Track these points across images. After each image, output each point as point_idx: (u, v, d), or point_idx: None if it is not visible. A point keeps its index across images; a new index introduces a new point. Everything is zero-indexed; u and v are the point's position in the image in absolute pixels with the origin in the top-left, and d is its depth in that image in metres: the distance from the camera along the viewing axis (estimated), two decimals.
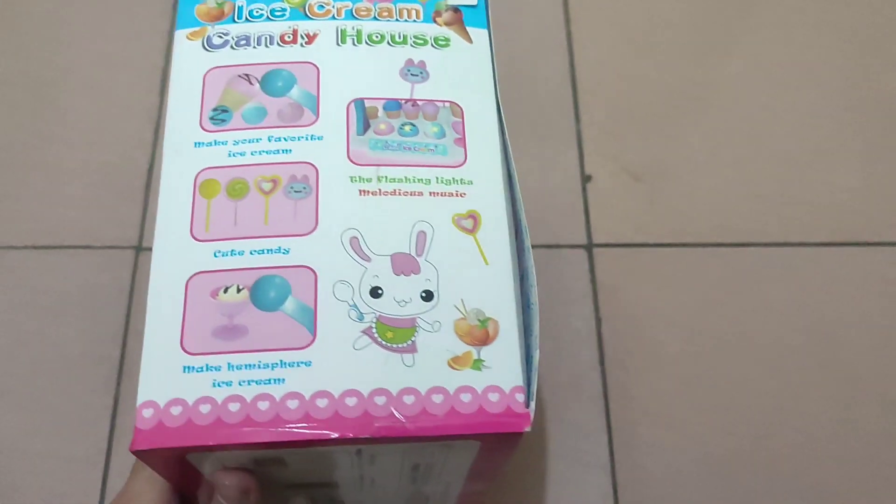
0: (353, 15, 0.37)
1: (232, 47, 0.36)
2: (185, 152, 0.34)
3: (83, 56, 0.67)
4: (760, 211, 0.62)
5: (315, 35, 0.37)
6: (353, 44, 0.37)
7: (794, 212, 0.62)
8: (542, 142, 0.65)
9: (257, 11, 0.37)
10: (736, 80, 0.68)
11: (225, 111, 0.35)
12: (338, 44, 0.37)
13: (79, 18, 0.69)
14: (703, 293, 0.59)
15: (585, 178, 0.63)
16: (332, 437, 0.28)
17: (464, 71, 0.37)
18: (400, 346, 0.30)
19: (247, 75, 0.35)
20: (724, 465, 0.54)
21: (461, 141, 0.35)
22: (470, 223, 0.33)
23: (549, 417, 0.55)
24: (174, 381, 0.29)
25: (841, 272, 0.60)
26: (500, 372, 0.31)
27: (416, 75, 0.36)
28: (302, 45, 0.36)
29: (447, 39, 0.37)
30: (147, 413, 0.28)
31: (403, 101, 0.36)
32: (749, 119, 0.66)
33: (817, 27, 0.71)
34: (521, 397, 0.30)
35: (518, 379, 0.30)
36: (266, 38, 0.37)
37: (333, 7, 0.38)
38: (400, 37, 0.37)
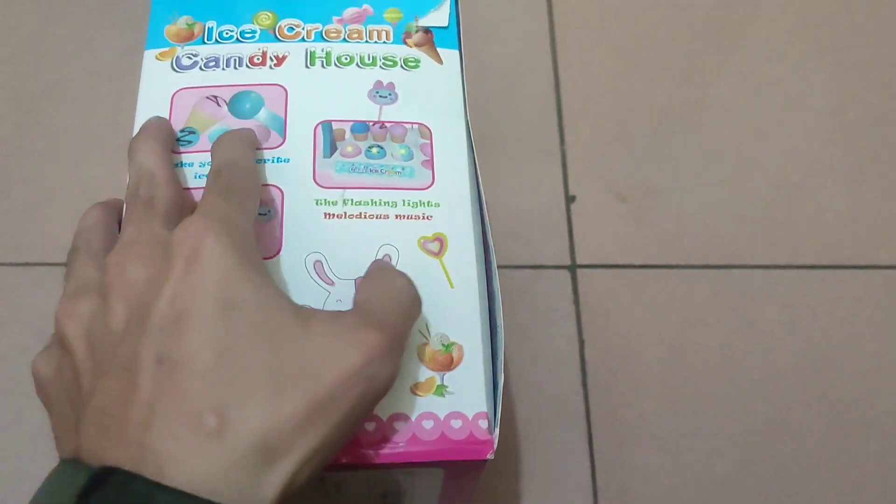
0: (322, 37, 0.37)
1: (201, 68, 0.36)
2: None
3: (70, 71, 0.67)
4: (747, 232, 0.62)
5: (284, 57, 0.36)
6: (322, 66, 0.36)
7: (781, 234, 0.61)
8: (526, 161, 0.64)
9: (227, 33, 0.37)
10: (724, 100, 0.67)
11: (192, 132, 0.35)
12: (307, 66, 0.36)
13: (66, 33, 0.69)
14: (688, 315, 0.58)
15: (570, 199, 0.62)
16: None
17: (433, 93, 0.36)
18: None
19: (215, 97, 0.35)
20: (711, 488, 0.53)
21: (429, 163, 0.35)
22: (436, 246, 0.33)
23: (531, 439, 0.54)
24: None
25: (828, 295, 0.59)
26: (464, 398, 0.30)
27: (385, 97, 0.36)
28: (271, 66, 0.36)
29: (417, 61, 0.37)
30: None
31: (371, 124, 0.35)
32: (736, 140, 0.65)
33: (806, 48, 0.70)
34: (484, 423, 0.30)
35: (482, 405, 0.30)
36: (235, 59, 0.36)
37: (303, 29, 0.37)
38: (369, 58, 0.37)
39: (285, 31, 0.37)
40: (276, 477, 0.23)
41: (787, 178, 0.64)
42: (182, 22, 0.37)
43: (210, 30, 0.37)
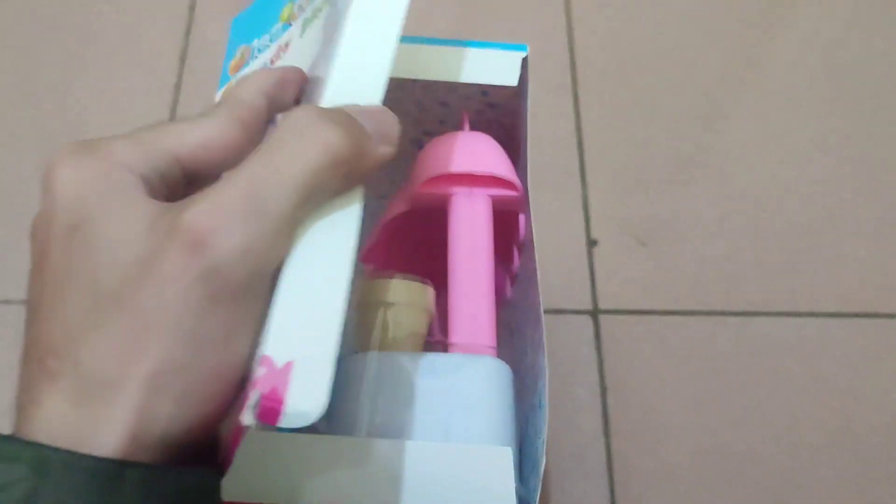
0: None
1: None
2: None
3: (92, 110, 0.67)
4: (768, 279, 0.61)
5: (288, 43, 0.35)
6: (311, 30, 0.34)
7: (803, 281, 0.60)
8: (548, 203, 0.64)
9: (263, 46, 0.36)
10: (744, 145, 0.67)
11: None
12: (300, 37, 0.34)
13: (90, 72, 0.69)
14: (710, 363, 0.57)
15: (591, 243, 0.62)
16: None
17: None
18: None
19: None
20: None
21: None
22: None
23: (552, 490, 0.53)
24: None
25: (852, 344, 0.58)
26: None
27: None
28: (281, 55, 0.35)
29: None
30: None
31: None
32: (757, 185, 0.65)
33: (827, 95, 0.70)
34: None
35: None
36: (266, 63, 0.36)
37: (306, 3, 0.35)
38: None
39: (295, 13, 0.35)
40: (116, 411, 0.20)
41: (808, 224, 0.63)
42: (238, 53, 0.37)
43: (253, 49, 0.36)
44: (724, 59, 0.71)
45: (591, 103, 0.69)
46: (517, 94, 0.43)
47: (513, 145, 0.46)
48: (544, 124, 0.67)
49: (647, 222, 0.63)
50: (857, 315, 0.59)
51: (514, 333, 0.44)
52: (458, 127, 0.45)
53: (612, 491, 0.52)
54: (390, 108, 0.27)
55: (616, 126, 0.68)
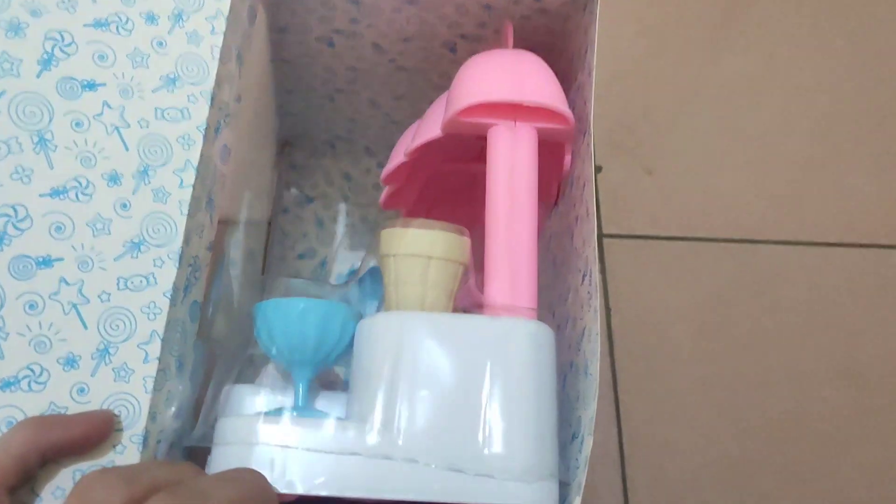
0: None
1: None
2: None
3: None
4: (773, 210, 0.60)
5: None
6: None
7: (807, 212, 0.60)
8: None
9: None
10: (751, 81, 0.64)
11: None
12: None
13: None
14: (715, 289, 0.56)
15: (596, 169, 0.59)
16: None
17: None
18: None
19: None
20: (739, 465, 0.52)
21: None
22: None
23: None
24: None
25: (854, 272, 0.58)
26: None
27: None
28: None
29: None
30: None
31: None
32: (762, 120, 0.63)
33: (830, 34, 0.68)
34: None
35: None
36: None
37: None
38: None
39: None
40: None
41: (812, 158, 0.62)
42: None
43: None
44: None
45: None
46: (575, 1, 0.38)
47: (563, 61, 0.40)
48: None
49: (653, 152, 0.60)
50: (859, 245, 0.59)
51: (558, 268, 0.41)
52: (501, 34, 0.39)
53: (617, 411, 0.52)
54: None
55: (624, 58, 0.64)
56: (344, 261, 0.54)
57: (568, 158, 0.38)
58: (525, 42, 0.39)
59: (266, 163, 0.53)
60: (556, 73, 0.36)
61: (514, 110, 0.35)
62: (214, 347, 0.35)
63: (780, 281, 0.58)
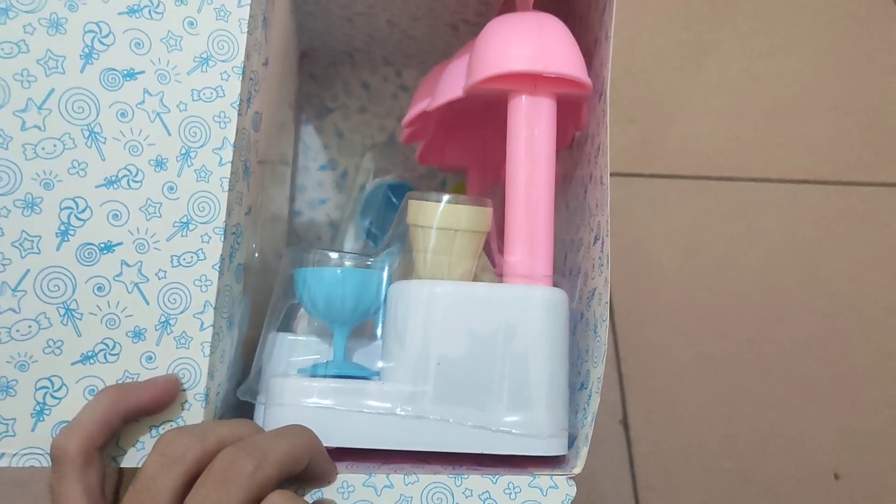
0: None
1: None
2: None
3: None
4: (744, 151, 0.62)
5: None
6: None
7: (775, 154, 0.62)
8: None
9: None
10: (720, 46, 0.67)
11: None
12: None
13: None
14: (696, 218, 0.59)
15: None
16: None
17: None
18: None
19: None
20: (720, 363, 0.58)
21: None
22: None
23: None
24: None
25: (816, 205, 0.62)
26: None
27: None
28: None
29: None
30: None
31: None
32: (732, 76, 0.66)
33: (790, 6, 0.70)
34: None
35: None
36: None
37: None
38: None
39: None
40: None
41: (777, 109, 0.65)
42: None
43: None
44: None
45: None
46: None
47: (581, 20, 0.39)
48: None
49: (636, 103, 0.63)
50: (821, 182, 0.62)
51: (571, 213, 0.42)
52: None
53: (612, 322, 0.57)
54: None
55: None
56: (366, 172, 0.54)
57: (585, 113, 0.39)
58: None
59: (289, 84, 0.52)
60: (575, 33, 0.35)
61: (534, 77, 0.35)
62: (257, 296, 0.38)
63: (751, 212, 0.61)
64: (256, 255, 0.37)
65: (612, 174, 0.58)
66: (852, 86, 0.66)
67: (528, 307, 0.32)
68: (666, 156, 0.61)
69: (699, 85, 0.63)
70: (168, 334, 0.30)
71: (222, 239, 0.30)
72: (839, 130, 0.64)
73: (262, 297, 0.38)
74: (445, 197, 0.33)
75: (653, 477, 0.54)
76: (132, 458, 0.29)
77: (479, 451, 0.30)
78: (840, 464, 0.55)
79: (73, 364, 0.28)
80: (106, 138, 0.29)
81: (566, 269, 0.39)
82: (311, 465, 0.27)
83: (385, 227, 0.48)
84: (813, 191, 0.62)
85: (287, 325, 0.37)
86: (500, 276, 0.34)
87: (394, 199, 0.50)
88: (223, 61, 0.31)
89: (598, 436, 0.54)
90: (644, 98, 0.63)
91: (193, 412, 0.30)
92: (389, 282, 0.34)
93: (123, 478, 0.48)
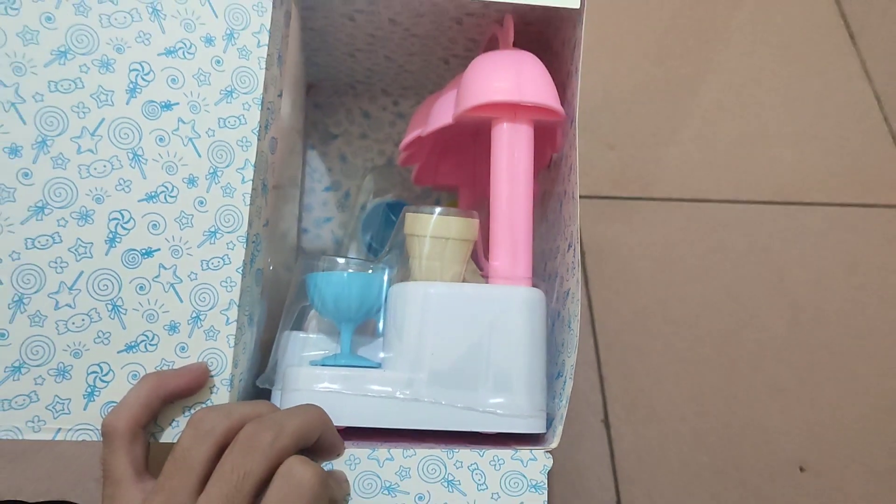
0: None
1: None
2: None
3: None
4: (715, 175, 0.68)
5: None
6: None
7: (743, 177, 0.67)
8: None
9: None
10: (692, 80, 0.73)
11: None
12: None
13: None
14: (670, 235, 0.64)
15: None
16: None
17: None
18: None
19: None
20: (693, 365, 0.62)
21: None
22: None
23: None
24: None
25: (780, 224, 0.67)
26: None
27: None
28: None
29: None
30: None
31: None
32: (702, 107, 0.72)
33: (755, 43, 0.76)
34: None
35: None
36: None
37: None
38: None
39: None
40: None
41: (744, 137, 0.70)
42: None
43: None
44: (683, 11, 0.74)
45: None
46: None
47: (554, 53, 0.44)
48: None
49: (614, 131, 0.68)
50: (786, 203, 0.67)
51: (549, 224, 0.46)
52: (503, 25, 0.42)
53: (593, 326, 0.61)
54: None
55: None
56: (366, 192, 0.58)
57: (559, 137, 0.44)
58: (523, 31, 0.42)
59: (298, 113, 0.56)
60: (551, 68, 0.40)
61: (514, 106, 0.39)
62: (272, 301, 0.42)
63: (721, 229, 0.66)
64: (271, 267, 0.41)
65: (592, 197, 0.64)
66: (813, 115, 0.71)
67: (510, 305, 0.36)
68: (642, 179, 0.65)
69: (672, 115, 0.69)
70: (199, 328, 0.33)
71: (244, 246, 0.34)
72: (801, 156, 0.70)
73: (274, 306, 0.42)
74: (438, 209, 0.38)
75: (633, 471, 0.57)
76: (168, 435, 0.33)
77: (468, 429, 0.34)
78: (805, 457, 0.59)
79: (118, 353, 0.32)
80: (147, 160, 0.34)
81: (546, 275, 0.43)
82: (322, 438, 0.31)
83: (384, 241, 0.52)
84: (777, 210, 0.67)
85: (299, 325, 0.41)
86: (486, 279, 0.38)
87: (392, 217, 0.54)
88: (245, 94, 0.35)
89: (581, 434, 0.58)
90: (622, 127, 0.68)
91: (220, 395, 0.34)
92: (390, 284, 0.38)
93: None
